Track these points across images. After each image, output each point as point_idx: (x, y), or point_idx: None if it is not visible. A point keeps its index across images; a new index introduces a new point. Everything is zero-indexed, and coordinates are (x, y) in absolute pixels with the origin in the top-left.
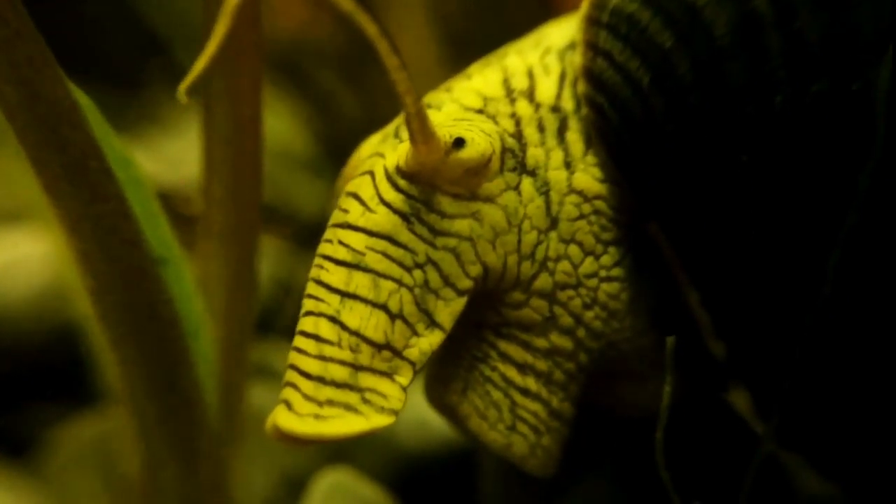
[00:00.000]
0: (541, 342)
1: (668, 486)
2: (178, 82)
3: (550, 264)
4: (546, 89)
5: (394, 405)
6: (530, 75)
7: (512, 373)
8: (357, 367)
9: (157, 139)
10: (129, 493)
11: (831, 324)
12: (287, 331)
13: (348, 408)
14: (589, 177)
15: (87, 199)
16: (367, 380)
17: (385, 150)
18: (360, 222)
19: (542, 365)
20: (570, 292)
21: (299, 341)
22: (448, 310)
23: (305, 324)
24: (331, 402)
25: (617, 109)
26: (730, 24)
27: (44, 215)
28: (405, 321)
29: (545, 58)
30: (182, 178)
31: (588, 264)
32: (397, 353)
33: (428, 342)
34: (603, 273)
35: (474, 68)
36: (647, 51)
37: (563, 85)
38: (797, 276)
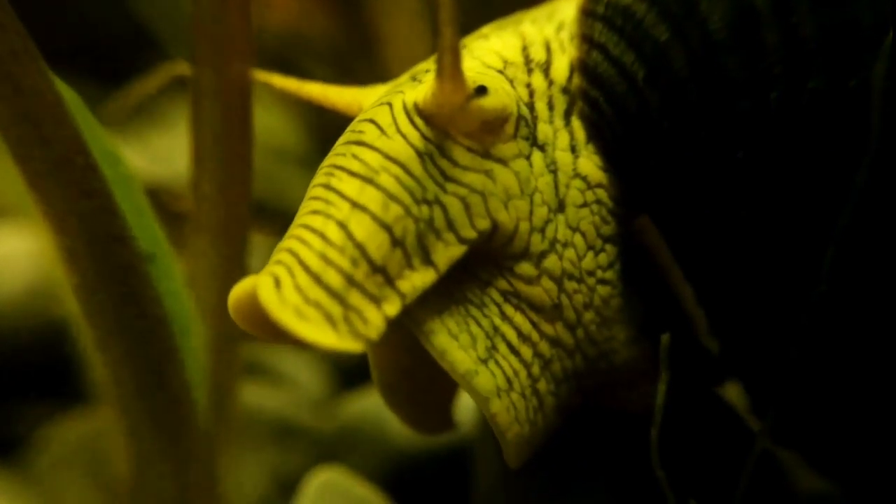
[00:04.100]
0: (548, 328)
1: (664, 485)
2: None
3: (559, 247)
4: (560, 68)
5: (370, 333)
6: (548, 49)
7: (509, 331)
8: (351, 281)
9: (145, 134)
10: (118, 493)
11: (827, 321)
12: None
13: (329, 319)
14: (592, 164)
15: (73, 196)
16: (355, 298)
17: (404, 88)
18: (377, 143)
19: (544, 348)
20: (575, 285)
21: (303, 233)
22: (446, 253)
23: (313, 220)
24: (317, 305)
25: (612, 104)
26: (726, 19)
27: (29, 212)
28: (404, 250)
29: (560, 33)
30: (171, 174)
31: (589, 259)
32: (390, 281)
33: (421, 278)
34: (599, 273)
35: (489, 29)
36: (643, 44)
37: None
38: (792, 273)
